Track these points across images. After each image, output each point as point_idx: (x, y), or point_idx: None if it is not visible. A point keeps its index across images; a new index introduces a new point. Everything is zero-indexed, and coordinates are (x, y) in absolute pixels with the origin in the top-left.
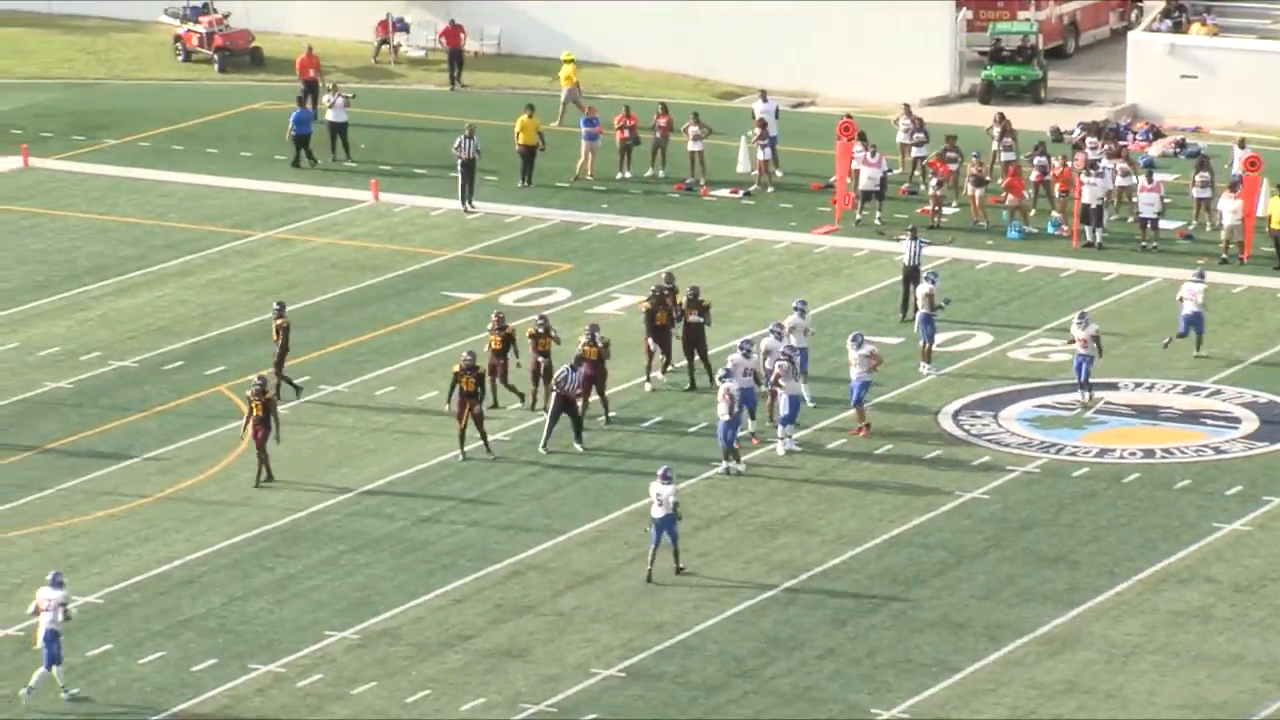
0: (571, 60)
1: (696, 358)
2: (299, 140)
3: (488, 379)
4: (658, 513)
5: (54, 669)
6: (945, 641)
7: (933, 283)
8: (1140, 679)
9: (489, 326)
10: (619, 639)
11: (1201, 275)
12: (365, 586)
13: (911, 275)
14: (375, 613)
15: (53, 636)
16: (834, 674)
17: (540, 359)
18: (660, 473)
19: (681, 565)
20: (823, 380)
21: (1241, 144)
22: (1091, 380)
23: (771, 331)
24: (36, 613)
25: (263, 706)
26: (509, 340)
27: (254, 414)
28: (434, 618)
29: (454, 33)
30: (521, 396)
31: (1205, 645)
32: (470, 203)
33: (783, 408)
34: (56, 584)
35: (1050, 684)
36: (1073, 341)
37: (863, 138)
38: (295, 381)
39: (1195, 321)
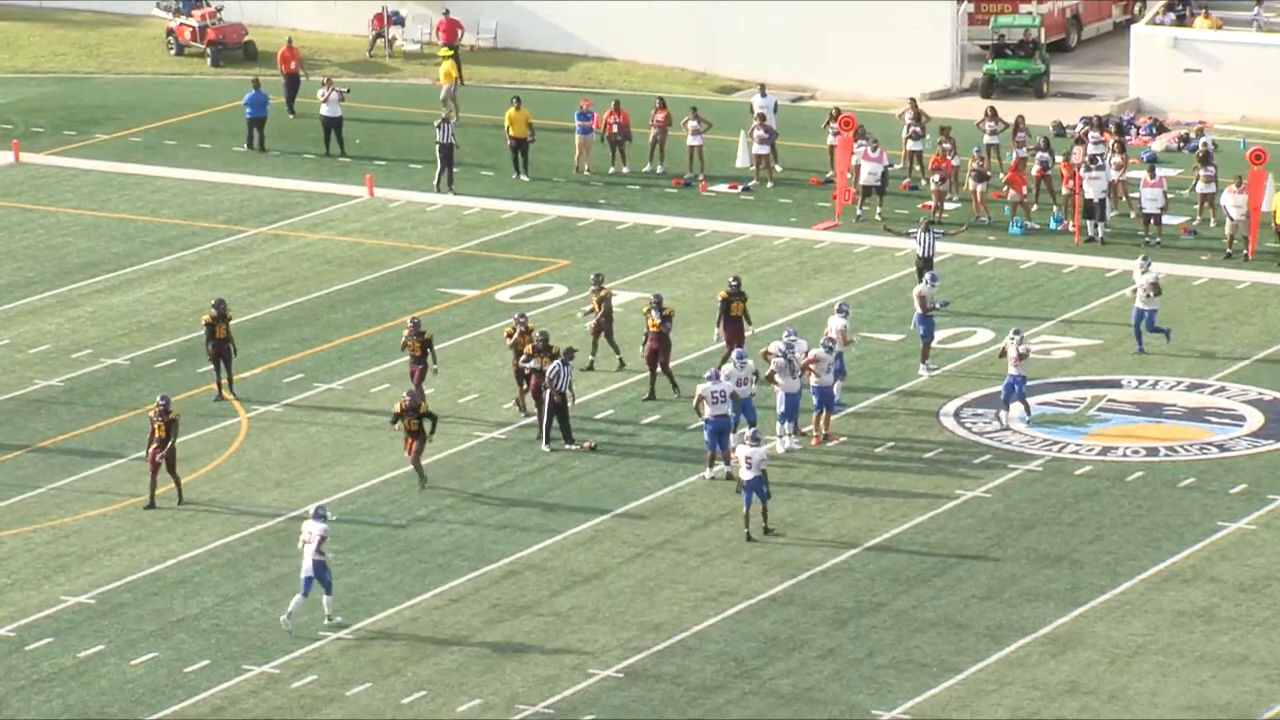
0: (451, 56)
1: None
2: (252, 123)
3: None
4: (746, 475)
5: (324, 598)
6: (946, 642)
7: (930, 284)
8: (1143, 679)
9: (404, 334)
10: (617, 639)
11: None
12: (360, 586)
13: (925, 266)
14: (370, 613)
15: (321, 567)
16: (834, 674)
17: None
18: (749, 434)
19: (770, 526)
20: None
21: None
22: (1027, 400)
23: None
24: (302, 546)
25: (256, 708)
26: (427, 345)
27: (155, 435)
28: (429, 618)
29: (450, 27)
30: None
31: (1209, 645)
32: (439, 188)
33: (780, 405)
34: (319, 516)
35: (1053, 684)
36: (1003, 355)
37: (860, 132)
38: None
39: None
